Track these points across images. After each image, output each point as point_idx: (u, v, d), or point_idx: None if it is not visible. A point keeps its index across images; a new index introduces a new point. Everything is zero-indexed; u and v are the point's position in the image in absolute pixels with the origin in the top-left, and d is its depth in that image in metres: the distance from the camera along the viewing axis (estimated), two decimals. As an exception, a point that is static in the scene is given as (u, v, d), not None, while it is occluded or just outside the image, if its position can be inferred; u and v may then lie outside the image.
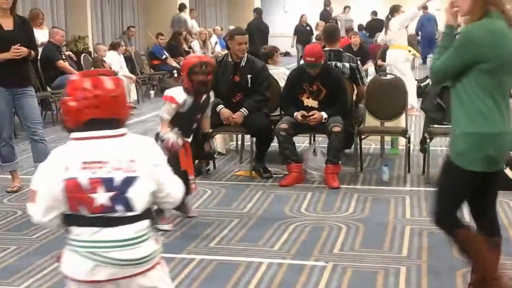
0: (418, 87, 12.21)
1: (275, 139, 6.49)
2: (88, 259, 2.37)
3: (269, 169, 6.62)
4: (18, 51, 5.82)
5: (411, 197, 5.80)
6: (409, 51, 10.83)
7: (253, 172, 6.56)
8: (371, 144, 7.85)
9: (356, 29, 15.87)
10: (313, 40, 13.96)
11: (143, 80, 13.64)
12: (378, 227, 5.00)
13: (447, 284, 3.92)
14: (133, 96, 12.46)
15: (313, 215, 5.33)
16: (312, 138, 7.37)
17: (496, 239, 3.50)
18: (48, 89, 10.36)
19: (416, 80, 13.17)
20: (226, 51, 6.90)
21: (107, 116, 2.39)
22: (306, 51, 6.37)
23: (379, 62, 14.22)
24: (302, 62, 6.56)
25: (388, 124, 6.95)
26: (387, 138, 7.51)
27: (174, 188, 2.52)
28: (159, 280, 2.50)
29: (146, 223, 2.44)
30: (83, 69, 11.48)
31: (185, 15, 17.23)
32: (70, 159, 2.37)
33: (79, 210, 2.36)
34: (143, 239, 2.41)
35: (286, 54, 22.05)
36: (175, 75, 14.36)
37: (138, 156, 2.40)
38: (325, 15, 20.17)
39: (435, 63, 3.37)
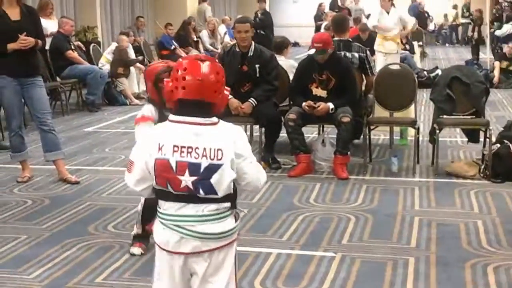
0: (427, 78, 12.19)
1: (284, 130, 6.50)
2: (175, 232, 2.54)
3: (278, 159, 6.62)
4: (25, 41, 5.83)
5: (420, 188, 5.79)
6: (398, 43, 10.89)
7: (262, 162, 6.56)
8: (380, 134, 7.84)
9: (365, 20, 15.79)
10: (322, 30, 13.91)
11: (152, 70, 13.62)
12: (387, 218, 5.01)
13: (455, 275, 3.92)
14: (142, 86, 12.48)
15: (322, 206, 5.34)
16: (321, 128, 7.37)
17: None
18: (58, 79, 10.39)
19: (425, 70, 13.14)
20: (234, 41, 6.90)
21: (193, 98, 2.52)
22: (314, 37, 6.38)
23: (389, 52, 14.13)
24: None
25: (397, 114, 6.94)
26: (396, 129, 7.49)
27: (254, 178, 2.65)
28: (233, 256, 2.68)
29: (227, 203, 2.60)
30: (92, 59, 11.51)
31: (206, 5, 17.33)
32: (164, 140, 2.52)
33: (167, 187, 2.53)
34: (224, 215, 2.58)
35: (295, 44, 22.00)
36: (184, 65, 14.37)
37: (225, 145, 2.53)
38: (334, 5, 20.11)
39: None
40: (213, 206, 2.55)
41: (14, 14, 5.91)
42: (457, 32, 25.75)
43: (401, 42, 11.75)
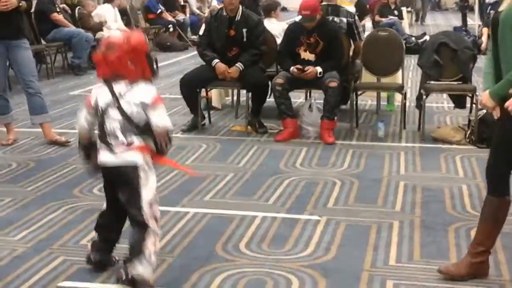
0: (415, 44, 12.16)
1: (271, 94, 6.47)
2: None
3: (265, 124, 6.61)
4: (5, 2, 5.73)
5: (406, 153, 5.81)
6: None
7: (249, 127, 6.56)
8: (367, 100, 7.84)
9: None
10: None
11: (139, 34, 13.48)
12: (373, 183, 5.02)
13: (439, 238, 3.95)
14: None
15: (308, 170, 5.34)
16: (308, 93, 7.35)
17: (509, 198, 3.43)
18: (43, 42, 10.27)
19: (413, 36, 13.10)
20: (222, 6, 6.83)
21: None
22: (301, 4, 6.30)
23: (377, 17, 14.11)
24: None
25: (384, 80, 6.93)
26: (383, 94, 7.49)
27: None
28: None
29: None
30: (77, 22, 11.36)
31: None
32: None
33: None
34: None
35: (283, 9, 21.78)
36: (171, 29, 14.24)
37: None
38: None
39: None
40: None
41: None
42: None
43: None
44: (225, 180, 5.07)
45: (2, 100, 6.08)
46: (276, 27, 7.61)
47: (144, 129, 3.24)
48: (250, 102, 6.69)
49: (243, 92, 7.03)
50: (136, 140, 3.24)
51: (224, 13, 6.49)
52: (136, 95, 3.24)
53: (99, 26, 11.31)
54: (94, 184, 4.95)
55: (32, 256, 3.70)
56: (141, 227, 3.21)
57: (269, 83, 6.48)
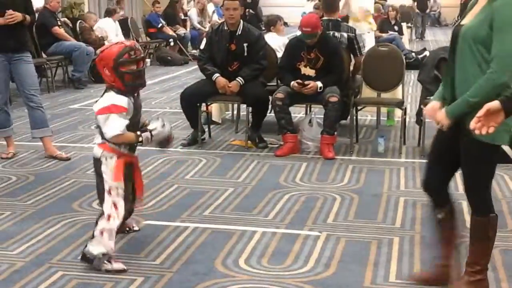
0: (415, 59, 12.20)
1: (271, 109, 6.48)
2: None
3: (265, 139, 6.61)
4: (11, 16, 5.76)
5: (406, 169, 5.81)
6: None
7: (249, 141, 6.56)
8: (367, 115, 7.85)
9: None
10: (311, 9, 13.86)
11: (139, 48, 13.52)
12: (373, 198, 5.02)
13: (439, 255, 3.93)
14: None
15: (308, 185, 5.34)
16: (308, 108, 7.36)
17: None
18: (44, 55, 10.30)
19: (413, 52, 13.14)
20: (223, 20, 6.86)
21: None
22: (302, 21, 6.32)
23: (377, 33, 14.15)
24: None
25: (384, 95, 6.94)
26: (383, 110, 7.50)
27: None
28: None
29: None
30: (78, 35, 11.40)
31: None
32: None
33: None
34: None
35: (284, 24, 21.87)
36: (172, 43, 14.30)
37: None
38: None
39: (496, 76, 3.08)
40: None
41: None
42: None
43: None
44: (225, 195, 5.06)
45: (3, 113, 6.09)
46: (277, 41, 7.65)
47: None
48: (250, 116, 6.70)
49: (243, 106, 7.04)
50: (98, 139, 3.83)
51: (225, 28, 6.52)
52: (98, 102, 3.76)
53: (101, 41, 11.34)
54: (93, 198, 4.94)
55: (31, 271, 3.68)
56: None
57: (270, 97, 6.49)
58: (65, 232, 4.28)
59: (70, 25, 11.74)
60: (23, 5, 5.95)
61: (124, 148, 3.78)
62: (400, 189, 5.27)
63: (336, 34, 6.79)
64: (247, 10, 14.25)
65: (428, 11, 22.91)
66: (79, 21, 12.01)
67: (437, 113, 3.31)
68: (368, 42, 9.44)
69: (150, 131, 3.79)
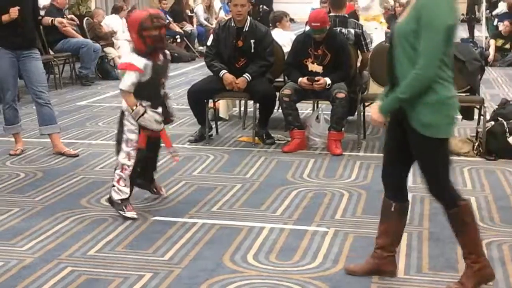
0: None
1: (279, 106, 6.48)
2: None
3: (272, 135, 6.61)
4: (14, 11, 5.79)
5: (413, 165, 5.78)
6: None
7: (256, 138, 6.56)
8: (374, 111, 7.82)
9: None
10: (318, 5, 13.84)
11: (146, 44, 13.54)
12: (380, 194, 4.94)
13: (448, 251, 3.93)
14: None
15: (315, 181, 5.33)
16: (316, 104, 7.35)
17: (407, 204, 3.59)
18: (51, 52, 10.32)
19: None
20: (230, 16, 6.85)
21: None
22: (311, 16, 6.31)
23: (385, 29, 14.09)
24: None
25: (392, 91, 6.90)
26: (391, 106, 7.46)
27: None
28: None
29: None
30: (85, 33, 11.42)
31: None
32: None
33: None
34: None
35: (290, 20, 21.85)
36: (178, 40, 14.30)
37: None
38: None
39: (419, 74, 3.15)
40: None
41: None
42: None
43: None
44: (233, 191, 5.07)
45: (12, 110, 6.11)
46: (283, 37, 7.64)
47: None
48: (257, 113, 6.70)
49: (251, 103, 7.04)
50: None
51: (232, 24, 6.51)
52: (121, 58, 4.41)
53: (111, 35, 11.37)
54: (102, 194, 4.96)
55: (40, 267, 3.70)
56: None
57: (277, 94, 6.48)
58: (74, 228, 4.30)
59: (77, 22, 11.74)
60: (32, 3, 5.98)
61: (146, 103, 4.33)
62: (408, 184, 5.24)
63: (343, 30, 6.78)
64: (261, 6, 14.25)
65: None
66: (86, 18, 12.03)
67: (372, 110, 3.41)
68: (377, 38, 9.45)
69: (145, 111, 4.32)
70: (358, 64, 6.97)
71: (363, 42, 6.87)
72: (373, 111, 3.42)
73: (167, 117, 4.54)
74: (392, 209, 3.53)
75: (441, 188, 3.37)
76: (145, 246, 3.99)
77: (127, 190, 4.41)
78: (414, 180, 5.38)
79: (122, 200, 4.41)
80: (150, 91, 4.37)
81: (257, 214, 4.58)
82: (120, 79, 4.43)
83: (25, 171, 5.62)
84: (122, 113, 4.44)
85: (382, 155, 6.23)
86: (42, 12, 9.12)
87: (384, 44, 7.04)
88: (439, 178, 3.36)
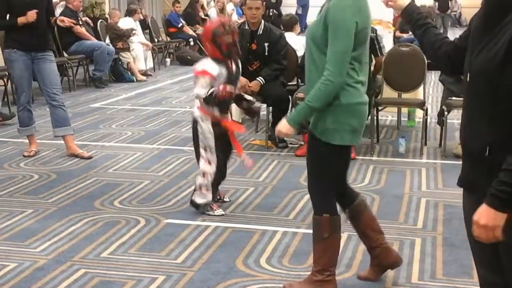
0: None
1: (292, 109, 6.47)
2: None
3: (285, 138, 6.60)
4: (32, 15, 5.82)
5: (427, 170, 5.77)
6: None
7: (269, 141, 6.55)
8: (388, 115, 7.81)
9: None
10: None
11: (159, 47, 13.61)
12: (394, 199, 4.99)
13: (462, 256, 3.91)
14: (149, 63, 12.45)
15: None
16: (329, 108, 7.33)
17: (363, 200, 3.54)
18: (65, 54, 10.37)
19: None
20: (242, 20, 6.86)
21: None
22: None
23: (397, 33, 14.09)
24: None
25: (405, 95, 6.90)
26: (404, 110, 7.46)
27: None
28: None
29: None
30: (100, 35, 11.47)
31: None
32: None
33: None
34: None
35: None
36: (191, 43, 14.33)
37: None
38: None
39: (327, 82, 3.05)
40: None
41: None
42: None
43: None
44: (246, 194, 5.07)
45: (26, 111, 6.14)
46: (296, 41, 7.63)
47: None
48: (270, 116, 6.69)
49: (264, 106, 7.03)
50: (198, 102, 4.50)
51: (246, 27, 6.52)
52: (196, 65, 4.53)
53: (129, 33, 11.41)
54: (115, 196, 4.97)
55: (53, 268, 3.71)
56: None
57: (290, 97, 6.48)
58: (87, 230, 4.31)
59: (91, 24, 11.81)
60: (46, 6, 6.01)
61: (215, 110, 4.45)
62: (422, 189, 5.24)
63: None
64: (270, 10, 14.26)
65: (448, 11, 22.73)
66: (100, 20, 12.09)
67: (279, 125, 3.24)
68: (385, 42, 9.41)
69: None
70: (372, 68, 6.95)
71: (376, 46, 6.84)
72: (280, 124, 3.23)
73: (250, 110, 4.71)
74: (347, 215, 3.50)
75: (319, 194, 3.30)
76: (158, 249, 3.99)
77: (210, 195, 4.54)
78: (428, 185, 5.37)
79: (206, 203, 4.56)
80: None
81: (270, 217, 4.58)
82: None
83: (39, 172, 5.64)
84: (195, 122, 4.53)
85: (395, 159, 6.24)
86: (56, 14, 9.23)
87: (397, 48, 7.03)
88: (320, 184, 3.28)
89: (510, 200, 1.96)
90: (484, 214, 1.99)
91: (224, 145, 4.57)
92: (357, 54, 3.11)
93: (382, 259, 3.53)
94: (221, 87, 4.36)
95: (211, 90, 4.37)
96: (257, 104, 4.71)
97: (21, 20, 5.84)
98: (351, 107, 3.15)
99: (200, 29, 14.85)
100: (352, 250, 4.00)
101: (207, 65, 4.45)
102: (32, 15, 5.81)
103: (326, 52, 3.08)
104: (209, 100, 4.39)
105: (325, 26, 3.07)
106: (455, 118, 7.65)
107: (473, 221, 2.03)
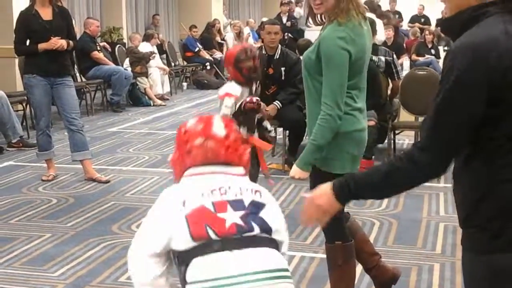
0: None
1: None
2: None
3: (302, 162, 6.59)
4: (56, 42, 5.90)
5: (445, 194, 5.74)
6: None
7: (286, 165, 6.55)
8: (404, 139, 7.79)
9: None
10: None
11: (176, 71, 13.71)
12: (412, 223, 4.96)
13: (481, 282, 3.87)
14: (166, 87, 12.54)
15: (346, 210, 5.28)
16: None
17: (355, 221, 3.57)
18: (83, 79, 10.48)
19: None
20: (258, 44, 6.92)
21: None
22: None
23: (414, 56, 14.10)
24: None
25: (422, 119, 6.88)
26: (421, 134, 7.43)
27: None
28: None
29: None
30: (117, 60, 11.59)
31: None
32: (188, 194, 2.13)
33: (207, 234, 2.04)
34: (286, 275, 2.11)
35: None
36: (208, 67, 14.42)
37: (262, 190, 2.19)
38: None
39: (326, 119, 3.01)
40: (271, 256, 2.09)
41: (46, 13, 5.98)
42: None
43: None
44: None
45: (45, 136, 6.20)
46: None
47: None
48: (287, 140, 6.70)
49: (280, 130, 7.05)
50: None
51: (263, 51, 6.56)
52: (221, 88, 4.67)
53: (149, 56, 11.53)
54: (133, 220, 4.99)
55: (71, 293, 3.72)
56: None
57: (306, 121, 6.48)
58: (105, 254, 4.32)
59: (109, 49, 11.93)
60: (66, 31, 6.08)
61: (243, 129, 4.44)
62: (440, 214, 5.21)
63: (374, 57, 6.78)
64: (286, 34, 14.32)
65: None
66: (118, 45, 12.21)
67: (292, 172, 3.19)
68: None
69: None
70: (389, 91, 6.96)
71: (393, 70, 6.87)
72: (292, 171, 3.20)
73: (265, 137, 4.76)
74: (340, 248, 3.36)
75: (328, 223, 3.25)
76: (177, 272, 3.98)
77: None
78: (446, 209, 5.33)
79: None
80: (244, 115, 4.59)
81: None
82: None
83: (57, 196, 5.68)
84: None
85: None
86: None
87: (414, 72, 7.04)
88: None
89: (353, 196, 1.94)
90: (325, 196, 1.93)
91: (254, 162, 4.59)
92: (353, 82, 3.07)
93: (380, 278, 3.54)
94: (247, 98, 4.48)
95: (238, 104, 4.48)
96: (272, 134, 4.78)
97: (42, 46, 5.91)
98: (349, 135, 3.11)
99: (216, 53, 14.97)
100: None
101: (230, 88, 4.57)
102: (55, 42, 5.89)
103: (319, 80, 3.03)
104: (237, 115, 4.44)
105: (318, 55, 3.01)
106: (472, 141, 7.62)
107: (309, 195, 1.96)
